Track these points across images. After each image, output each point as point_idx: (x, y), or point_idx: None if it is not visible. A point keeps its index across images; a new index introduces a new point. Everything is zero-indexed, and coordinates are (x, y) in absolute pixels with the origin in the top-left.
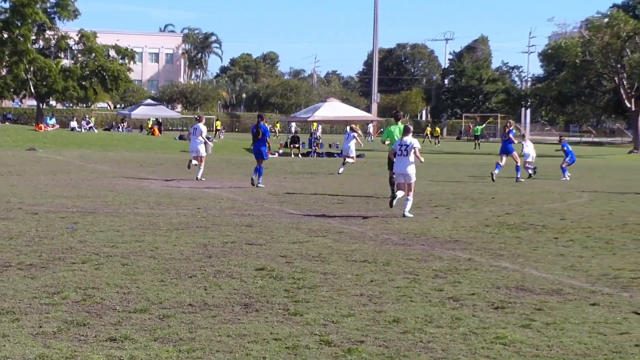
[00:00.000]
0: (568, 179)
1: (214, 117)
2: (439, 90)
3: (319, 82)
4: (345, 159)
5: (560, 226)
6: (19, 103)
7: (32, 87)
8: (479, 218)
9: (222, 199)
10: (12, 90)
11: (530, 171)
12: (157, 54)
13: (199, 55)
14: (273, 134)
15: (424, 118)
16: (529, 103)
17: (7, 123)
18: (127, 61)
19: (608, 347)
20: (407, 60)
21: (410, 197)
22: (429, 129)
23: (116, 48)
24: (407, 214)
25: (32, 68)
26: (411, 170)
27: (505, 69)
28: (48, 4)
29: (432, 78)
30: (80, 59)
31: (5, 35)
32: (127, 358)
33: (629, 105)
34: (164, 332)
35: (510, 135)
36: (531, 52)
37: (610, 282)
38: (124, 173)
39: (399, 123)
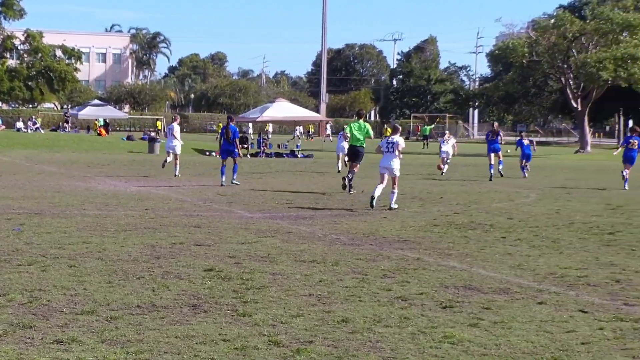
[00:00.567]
0: (527, 176)
1: (162, 116)
2: (388, 90)
3: (268, 83)
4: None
5: (507, 225)
6: None
7: None
8: (427, 218)
9: (170, 200)
10: None
11: (444, 168)
12: (104, 54)
13: (147, 55)
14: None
15: (372, 118)
16: (476, 103)
17: None
18: (74, 61)
19: (555, 345)
20: (356, 61)
21: (396, 190)
22: (389, 129)
23: (63, 48)
24: (393, 205)
25: None
26: (396, 165)
27: (454, 69)
28: None
29: (381, 78)
30: (26, 59)
31: None
32: None
33: (575, 105)
34: (111, 334)
35: (500, 136)
36: (479, 53)
37: (557, 280)
38: (71, 174)
39: (361, 120)
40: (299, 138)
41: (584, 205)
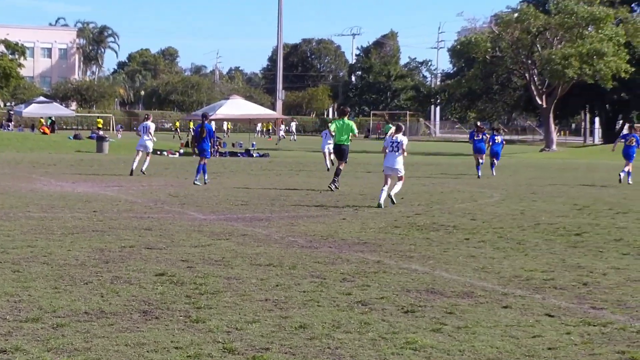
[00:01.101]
0: (494, 174)
1: (110, 114)
2: (346, 87)
3: (222, 79)
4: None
5: (471, 227)
6: None
7: None
8: (387, 219)
9: (120, 201)
10: None
11: None
12: (49, 49)
13: (94, 50)
14: (175, 132)
15: (330, 116)
16: (438, 100)
17: None
18: (17, 57)
19: (521, 350)
20: (313, 56)
21: (400, 184)
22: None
23: (6, 43)
24: (393, 197)
25: None
26: (400, 164)
27: (414, 64)
28: None
29: (339, 74)
30: None
31: None
32: None
33: (540, 102)
34: (57, 342)
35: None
36: (440, 48)
37: (522, 283)
38: (15, 174)
39: (345, 118)
40: (260, 136)
41: (549, 205)
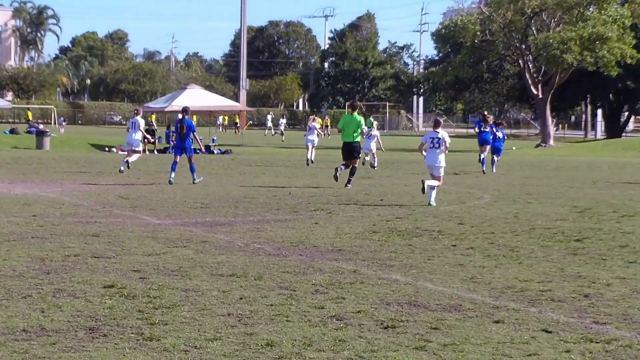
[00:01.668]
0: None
1: (52, 106)
2: (318, 75)
3: (178, 66)
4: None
5: (458, 232)
6: None
7: None
8: (365, 223)
9: (63, 204)
10: None
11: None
12: None
13: (33, 33)
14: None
15: (300, 107)
16: (421, 90)
17: None
18: None
19: None
20: (281, 41)
21: (437, 184)
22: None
23: None
24: (432, 202)
25: None
26: (441, 162)
27: (394, 50)
28: None
29: (310, 61)
30: None
31: None
32: None
33: (535, 91)
34: None
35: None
36: (424, 32)
37: (516, 295)
38: None
39: (355, 113)
40: (222, 130)
41: (546, 207)
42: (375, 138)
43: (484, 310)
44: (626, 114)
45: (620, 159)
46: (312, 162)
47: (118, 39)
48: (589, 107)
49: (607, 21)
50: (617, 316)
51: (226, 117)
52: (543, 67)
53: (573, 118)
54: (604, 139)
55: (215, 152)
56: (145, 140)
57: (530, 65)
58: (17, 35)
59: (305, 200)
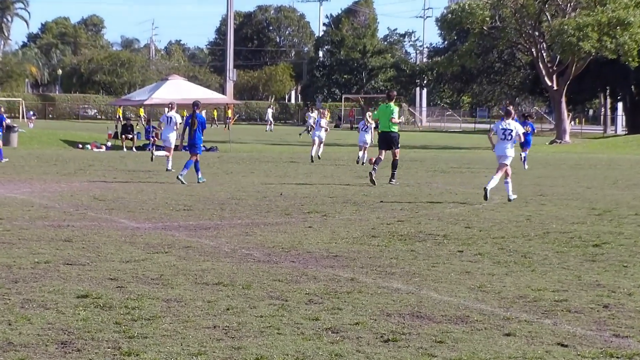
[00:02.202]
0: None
1: (20, 98)
2: (312, 65)
3: (158, 55)
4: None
5: (465, 236)
6: None
7: None
8: (363, 227)
9: (33, 206)
10: None
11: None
12: None
13: None
14: (135, 122)
15: (293, 100)
16: (425, 81)
17: None
18: None
19: None
20: (271, 28)
21: (509, 179)
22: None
23: None
24: (511, 197)
25: None
26: (510, 153)
27: (395, 38)
28: None
29: (303, 50)
30: None
31: None
32: None
33: (549, 83)
34: None
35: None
36: (427, 17)
37: (528, 306)
38: None
39: (391, 103)
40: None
41: (561, 210)
42: (370, 130)
43: (493, 322)
44: None
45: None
46: (318, 157)
47: (93, 25)
48: (609, 100)
49: (628, 5)
50: None
51: (215, 111)
52: (558, 56)
53: (591, 112)
54: (625, 134)
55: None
56: (123, 136)
57: (544, 54)
58: None
59: (298, 202)
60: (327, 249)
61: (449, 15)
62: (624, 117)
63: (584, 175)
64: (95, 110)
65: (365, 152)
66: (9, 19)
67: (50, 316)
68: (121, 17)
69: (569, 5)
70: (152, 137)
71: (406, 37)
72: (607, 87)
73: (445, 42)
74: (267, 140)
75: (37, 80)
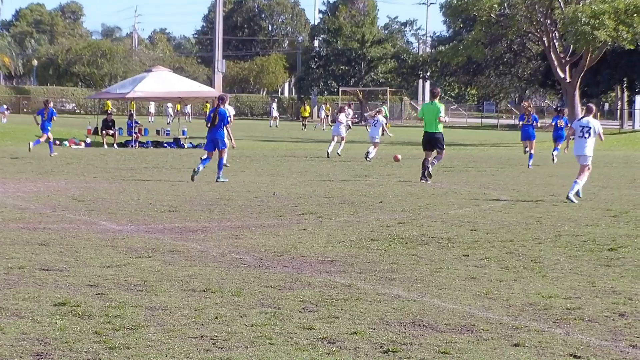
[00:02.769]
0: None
1: None
2: (307, 55)
3: (141, 45)
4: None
5: (471, 239)
6: None
7: None
8: (362, 229)
9: (6, 208)
10: None
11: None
12: None
13: None
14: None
15: (286, 94)
16: (428, 73)
17: None
18: None
19: None
20: (263, 15)
21: (586, 175)
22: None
23: None
24: (572, 198)
25: None
26: (589, 152)
27: (396, 26)
28: None
29: (298, 39)
30: None
31: None
32: None
33: (562, 75)
34: None
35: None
36: (430, 4)
37: (538, 314)
38: None
39: (436, 100)
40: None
41: (574, 211)
42: (381, 125)
43: (501, 331)
44: None
45: None
46: (338, 154)
47: (71, 12)
48: (626, 93)
49: None
50: None
51: (207, 105)
52: (571, 46)
53: (607, 106)
54: None
55: (186, 146)
56: (103, 132)
57: (557, 44)
58: None
59: (291, 203)
60: (322, 253)
61: (455, 1)
62: None
63: (599, 173)
64: (74, 104)
65: (376, 148)
66: None
67: (24, 325)
68: (101, 3)
69: None
70: (135, 132)
71: (408, 25)
72: (624, 80)
73: (450, 31)
74: (259, 137)
75: (11, 72)
